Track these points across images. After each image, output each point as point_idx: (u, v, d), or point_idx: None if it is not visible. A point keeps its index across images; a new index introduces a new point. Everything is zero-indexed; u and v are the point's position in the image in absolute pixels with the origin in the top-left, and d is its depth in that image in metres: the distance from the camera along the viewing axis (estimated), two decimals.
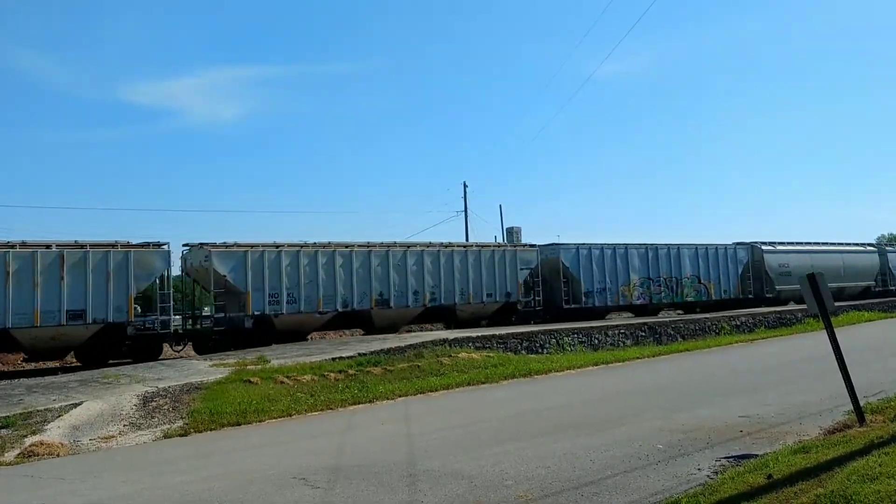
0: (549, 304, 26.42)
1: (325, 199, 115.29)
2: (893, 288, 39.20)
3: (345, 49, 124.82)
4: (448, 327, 24.28)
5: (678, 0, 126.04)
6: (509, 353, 18.54)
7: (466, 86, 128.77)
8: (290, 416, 11.20)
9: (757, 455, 6.67)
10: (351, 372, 14.27)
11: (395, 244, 22.75)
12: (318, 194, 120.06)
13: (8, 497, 6.87)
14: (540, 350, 20.02)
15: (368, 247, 21.93)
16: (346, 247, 21.52)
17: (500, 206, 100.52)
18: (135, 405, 11.48)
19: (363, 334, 22.95)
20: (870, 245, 39.58)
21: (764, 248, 33.00)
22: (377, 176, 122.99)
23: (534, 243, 26.87)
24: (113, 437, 10.08)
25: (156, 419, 10.99)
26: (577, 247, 27.14)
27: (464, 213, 45.12)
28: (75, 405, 11.13)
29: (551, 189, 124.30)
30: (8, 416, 10.37)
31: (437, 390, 13.26)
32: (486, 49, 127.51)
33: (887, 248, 40.36)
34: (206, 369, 14.56)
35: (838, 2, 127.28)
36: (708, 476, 6.14)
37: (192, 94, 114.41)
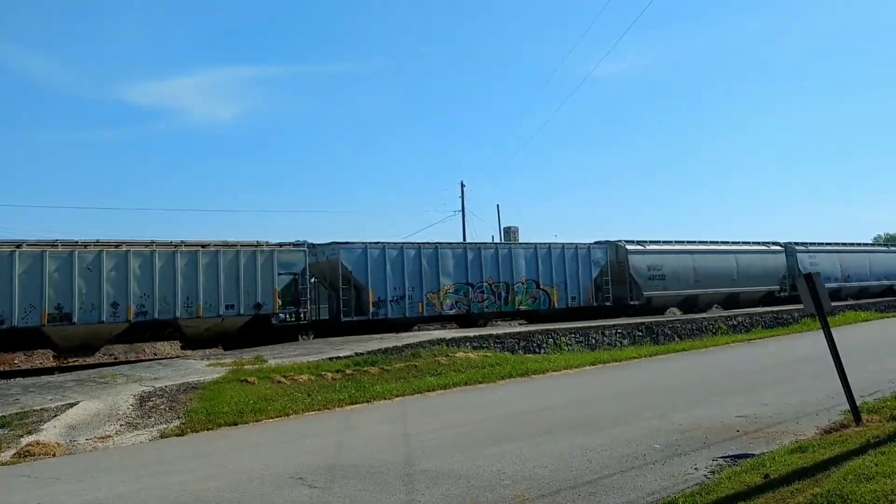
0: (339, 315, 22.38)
1: (324, 198, 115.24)
2: None
3: (345, 49, 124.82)
4: (186, 348, 20.61)
5: (677, 0, 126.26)
6: (506, 353, 18.56)
7: (466, 86, 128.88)
8: (288, 415, 11.19)
9: (754, 455, 6.68)
10: (348, 372, 14.26)
11: (93, 243, 18.17)
12: (318, 194, 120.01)
13: (5, 497, 6.85)
14: (537, 350, 20.05)
15: (47, 245, 17.51)
16: (16, 246, 17.12)
17: (498, 205, 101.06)
18: (131, 405, 11.46)
19: (56, 358, 19.66)
20: (775, 244, 34.33)
21: (629, 247, 28.23)
22: (377, 176, 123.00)
23: (304, 241, 21.88)
24: (109, 436, 10.06)
25: (152, 419, 10.98)
26: (366, 246, 22.44)
27: (461, 212, 45.21)
28: (72, 405, 11.11)
29: (550, 188, 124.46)
30: (4, 416, 10.35)
31: (434, 390, 13.26)
32: (485, 49, 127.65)
33: (797, 248, 34.72)
34: (202, 369, 14.55)
35: (838, 2, 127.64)
36: (705, 476, 6.15)
37: (192, 93, 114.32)
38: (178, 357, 18.91)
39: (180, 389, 12.38)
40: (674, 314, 28.61)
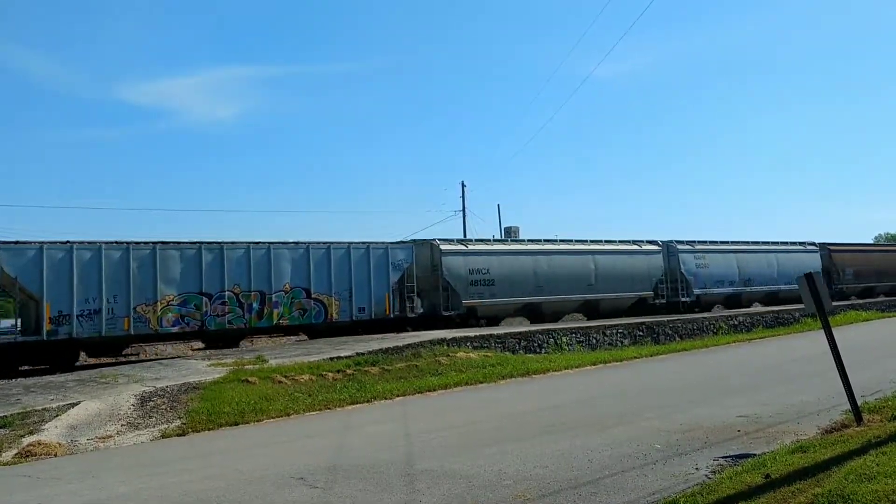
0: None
1: (324, 198, 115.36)
2: (687, 299, 29.11)
3: (345, 49, 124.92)
4: None
5: (677, 0, 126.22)
6: (507, 353, 18.56)
7: (466, 86, 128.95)
8: (289, 415, 11.19)
9: (755, 455, 6.68)
10: (349, 371, 14.27)
11: None
12: (318, 194, 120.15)
13: (5, 497, 6.86)
14: (538, 350, 20.04)
15: None
16: None
17: (498, 205, 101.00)
18: (132, 405, 11.47)
19: None
20: (652, 242, 29.22)
21: (444, 247, 23.39)
22: (377, 175, 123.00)
23: None
24: (110, 436, 10.07)
25: (153, 419, 10.98)
26: (42, 246, 17.24)
27: (462, 212, 45.25)
28: (73, 405, 11.12)
29: (551, 188, 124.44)
30: (5, 416, 10.36)
31: (435, 390, 13.26)
32: (485, 49, 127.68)
33: (679, 247, 29.50)
34: (203, 369, 14.55)
35: (838, 2, 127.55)
36: (706, 476, 6.15)
37: (192, 93, 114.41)
38: (179, 357, 18.91)
39: (181, 389, 12.38)
40: (524, 324, 25.20)
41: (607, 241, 28.38)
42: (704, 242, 31.28)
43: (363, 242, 22.12)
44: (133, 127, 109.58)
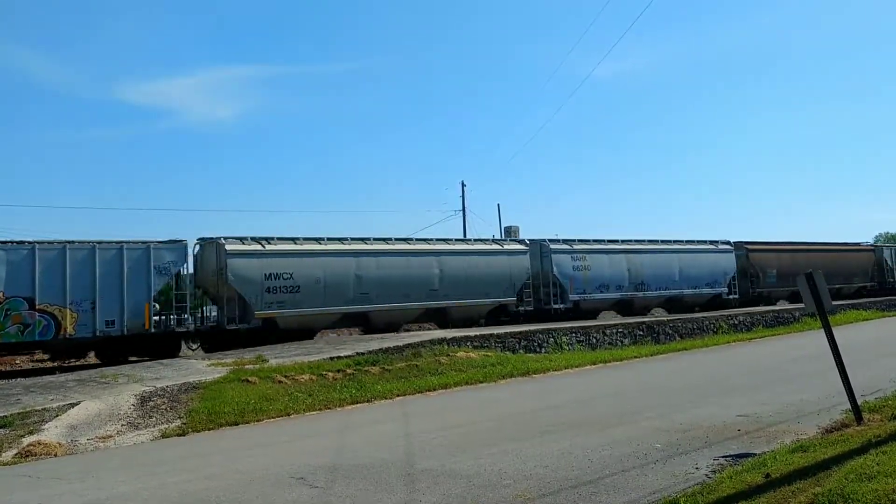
0: None
1: (324, 198, 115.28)
2: (562, 306, 25.20)
3: (345, 49, 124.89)
4: None
5: (677, 0, 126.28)
6: (507, 353, 18.56)
7: (466, 86, 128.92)
8: (289, 415, 11.19)
9: (755, 454, 6.68)
10: (349, 371, 14.26)
11: None
12: (318, 193, 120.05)
13: (6, 497, 6.86)
14: (538, 349, 20.05)
15: None
16: None
17: (498, 205, 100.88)
18: (132, 405, 11.47)
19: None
20: (519, 242, 25.87)
21: (230, 247, 19.28)
22: (377, 175, 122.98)
23: None
24: (111, 436, 10.07)
25: (154, 419, 10.99)
26: None
27: (462, 212, 45.24)
28: (73, 405, 11.12)
29: (551, 188, 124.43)
30: (5, 416, 10.37)
31: (435, 389, 13.26)
32: (485, 49, 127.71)
33: (553, 247, 25.64)
34: (203, 369, 14.55)
35: (838, 3, 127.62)
36: (706, 475, 6.15)
37: (192, 93, 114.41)
38: (179, 357, 18.90)
39: (181, 389, 12.38)
40: (353, 335, 21.81)
41: (458, 241, 25.19)
42: (587, 241, 27.18)
43: (116, 242, 18.25)
44: (133, 127, 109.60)
